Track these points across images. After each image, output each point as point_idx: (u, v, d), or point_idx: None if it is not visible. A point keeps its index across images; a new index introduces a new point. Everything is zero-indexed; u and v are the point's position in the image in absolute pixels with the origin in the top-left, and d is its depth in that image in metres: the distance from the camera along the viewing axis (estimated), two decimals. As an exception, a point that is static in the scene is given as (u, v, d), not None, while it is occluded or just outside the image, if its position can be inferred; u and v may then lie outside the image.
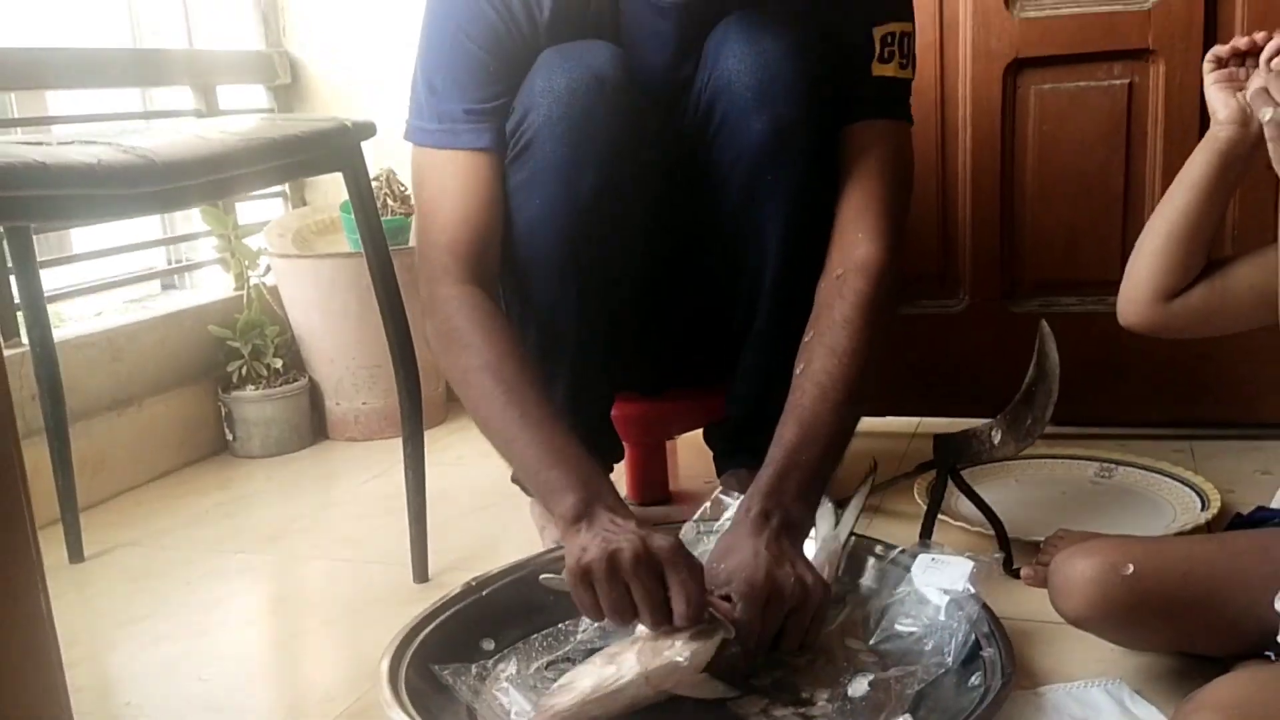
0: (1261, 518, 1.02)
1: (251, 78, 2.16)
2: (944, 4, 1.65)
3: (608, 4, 1.25)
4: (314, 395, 2.04)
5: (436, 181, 1.23)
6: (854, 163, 1.25)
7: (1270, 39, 0.93)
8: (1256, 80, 0.87)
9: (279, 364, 1.99)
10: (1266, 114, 0.83)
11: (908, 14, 1.29)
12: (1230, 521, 1.10)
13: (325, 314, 1.97)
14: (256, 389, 1.96)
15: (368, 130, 1.30)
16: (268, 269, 2.05)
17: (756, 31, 1.22)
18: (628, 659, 0.98)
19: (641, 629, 1.00)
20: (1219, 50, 0.98)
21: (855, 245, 1.22)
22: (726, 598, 1.01)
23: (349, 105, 2.21)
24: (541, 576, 1.08)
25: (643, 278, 1.35)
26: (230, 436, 1.98)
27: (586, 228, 1.24)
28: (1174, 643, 1.02)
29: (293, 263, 1.98)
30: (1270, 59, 0.91)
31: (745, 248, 1.30)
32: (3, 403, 0.66)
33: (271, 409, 1.96)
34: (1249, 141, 0.95)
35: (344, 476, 1.87)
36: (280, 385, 1.98)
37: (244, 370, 1.97)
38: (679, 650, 0.96)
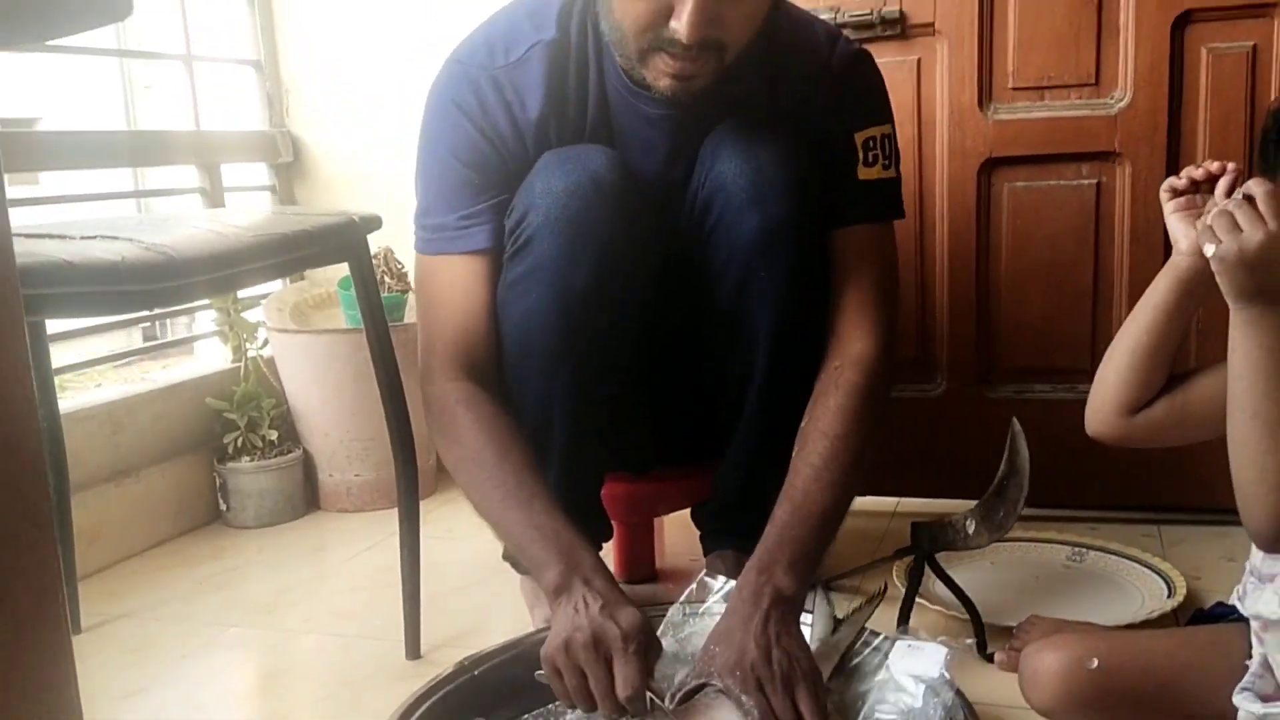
0: (1220, 613, 1.07)
1: (254, 156, 2.22)
2: (921, 104, 1.73)
3: (601, 114, 1.32)
4: (307, 466, 2.08)
5: (433, 287, 1.32)
6: (847, 265, 1.33)
7: (1224, 170, 0.99)
8: (1208, 215, 0.92)
9: (274, 435, 2.03)
10: (1210, 250, 0.89)
11: (886, 117, 1.37)
12: (1191, 616, 1.15)
13: (321, 387, 2.02)
14: (252, 460, 2.00)
15: (373, 223, 1.36)
16: (265, 342, 2.10)
17: (749, 138, 1.29)
18: None
19: None
20: (1175, 182, 1.04)
21: (852, 341, 1.29)
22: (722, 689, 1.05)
23: (347, 183, 2.28)
24: (537, 674, 1.12)
25: (635, 364, 1.41)
26: (224, 506, 2.01)
27: (580, 320, 1.30)
28: (1137, 732, 1.07)
29: (291, 337, 2.03)
30: (1226, 192, 0.97)
31: (737, 337, 1.36)
32: (39, 475, 0.70)
33: (266, 480, 2.00)
34: (1208, 269, 1.02)
35: (336, 548, 1.90)
36: (275, 456, 2.02)
37: (240, 441, 2.01)
38: None
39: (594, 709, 1.07)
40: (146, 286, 1.08)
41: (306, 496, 2.08)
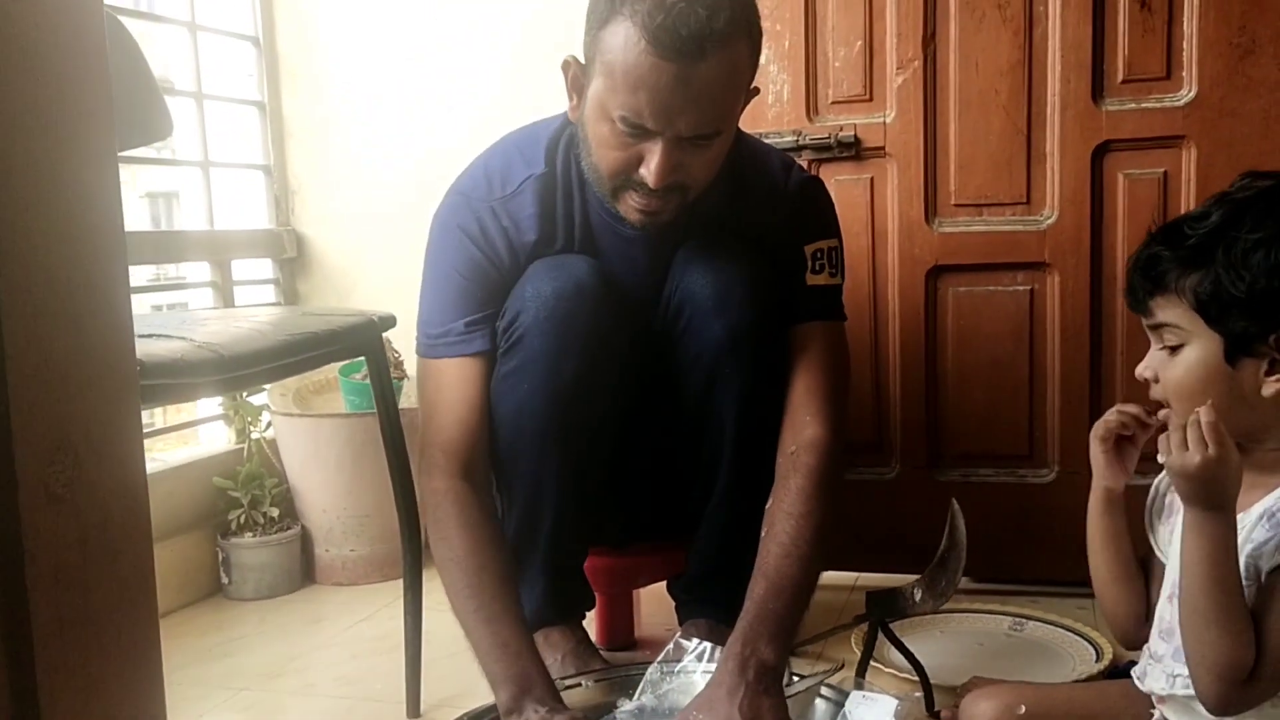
0: (1129, 670, 1.23)
1: (261, 252, 2.40)
2: (875, 218, 1.94)
3: (585, 235, 1.50)
4: (305, 542, 2.21)
5: (435, 388, 1.47)
6: (799, 358, 1.50)
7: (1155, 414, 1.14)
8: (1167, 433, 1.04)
9: (275, 513, 2.17)
10: (1162, 459, 1.02)
11: (833, 232, 1.56)
12: (1108, 672, 1.31)
13: (321, 467, 2.16)
14: (254, 536, 2.13)
15: (389, 323, 1.53)
16: (269, 424, 2.24)
17: (714, 253, 1.48)
18: None
19: None
20: (1110, 425, 1.18)
21: (805, 427, 1.45)
22: None
23: (344, 277, 2.45)
24: None
25: (617, 449, 1.57)
26: (226, 580, 2.13)
27: (567, 408, 1.46)
28: (1059, 774, 1.22)
29: (294, 420, 2.18)
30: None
31: (706, 426, 1.53)
32: (142, 522, 0.85)
33: (266, 555, 2.13)
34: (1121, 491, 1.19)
35: (333, 619, 2.02)
36: (276, 533, 2.15)
37: (242, 518, 2.14)
38: None
39: None
40: (199, 380, 1.23)
41: (303, 570, 2.20)
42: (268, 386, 2.27)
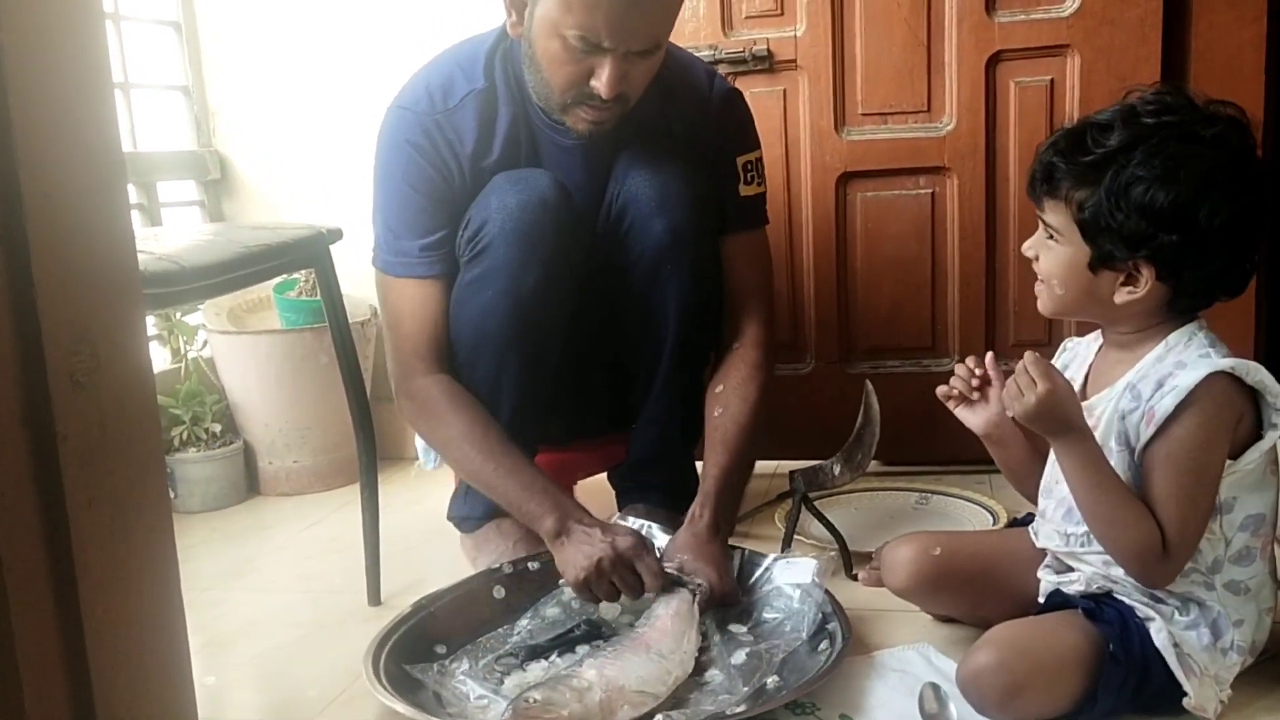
0: (1029, 521, 1.40)
1: (186, 174, 2.41)
2: (788, 128, 2.05)
3: (529, 145, 1.59)
4: (248, 455, 2.27)
5: (398, 300, 1.59)
6: (733, 265, 1.66)
7: (981, 364, 1.29)
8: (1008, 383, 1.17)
9: (217, 428, 2.23)
10: (1009, 412, 1.17)
11: (758, 144, 1.71)
12: (1008, 522, 1.49)
13: (261, 383, 2.22)
14: (198, 450, 2.19)
15: (336, 235, 1.59)
16: (204, 343, 2.29)
17: (653, 158, 1.59)
18: None
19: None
20: (948, 390, 1.32)
21: (747, 326, 1.64)
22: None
23: (269, 197, 2.48)
24: (560, 582, 1.45)
25: (567, 350, 1.67)
26: (173, 494, 2.20)
27: (528, 314, 1.56)
28: (968, 606, 1.39)
29: (232, 338, 2.23)
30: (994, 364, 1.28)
31: (649, 322, 1.64)
32: (152, 417, 0.93)
33: (211, 469, 2.19)
34: (1008, 426, 1.30)
35: (283, 526, 2.11)
36: (219, 447, 2.21)
37: (185, 434, 2.20)
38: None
39: (614, 600, 1.39)
40: (161, 291, 1.30)
41: (248, 483, 2.27)
42: (201, 306, 2.30)
